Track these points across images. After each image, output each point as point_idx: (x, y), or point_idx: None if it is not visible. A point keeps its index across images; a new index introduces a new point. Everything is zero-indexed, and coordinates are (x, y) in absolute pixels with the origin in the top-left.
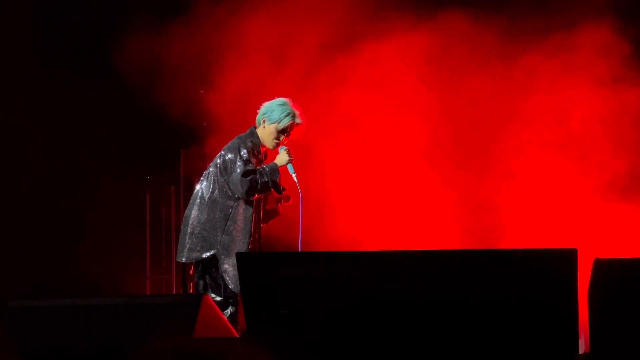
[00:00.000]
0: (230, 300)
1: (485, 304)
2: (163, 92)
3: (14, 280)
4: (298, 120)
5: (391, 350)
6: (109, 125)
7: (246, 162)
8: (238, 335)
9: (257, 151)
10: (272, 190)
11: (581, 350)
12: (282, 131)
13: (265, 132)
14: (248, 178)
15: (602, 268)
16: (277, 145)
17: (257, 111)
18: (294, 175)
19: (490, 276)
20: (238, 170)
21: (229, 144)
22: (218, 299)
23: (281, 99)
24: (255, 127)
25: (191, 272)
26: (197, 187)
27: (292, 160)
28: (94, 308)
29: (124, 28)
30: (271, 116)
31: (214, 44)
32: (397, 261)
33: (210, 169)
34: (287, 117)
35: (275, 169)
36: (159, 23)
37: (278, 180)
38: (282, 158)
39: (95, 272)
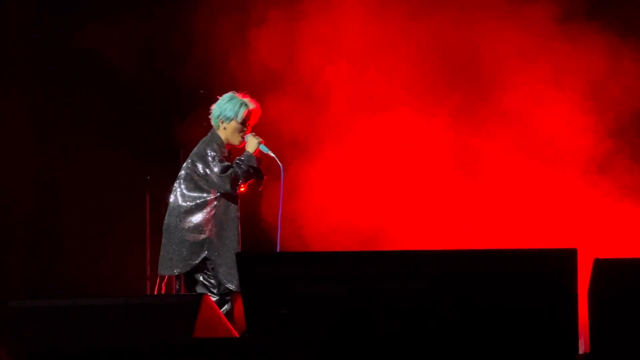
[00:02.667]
0: (227, 298)
1: (485, 303)
2: (163, 92)
3: (14, 280)
4: (251, 105)
5: (391, 350)
6: (108, 125)
7: (220, 160)
8: (238, 335)
9: (223, 150)
10: (255, 176)
11: (581, 350)
12: (243, 123)
13: (228, 132)
14: (227, 173)
15: (602, 268)
16: (243, 139)
17: (210, 116)
18: (270, 153)
19: (490, 276)
20: (215, 170)
21: (195, 150)
22: (214, 298)
23: (227, 95)
24: (217, 129)
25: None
26: (172, 197)
27: (261, 141)
28: (94, 308)
29: (124, 28)
30: (226, 114)
31: (214, 43)
32: (397, 261)
33: (181, 178)
34: (241, 108)
35: (250, 156)
36: (158, 22)
37: (257, 165)
38: (251, 144)
39: (95, 272)
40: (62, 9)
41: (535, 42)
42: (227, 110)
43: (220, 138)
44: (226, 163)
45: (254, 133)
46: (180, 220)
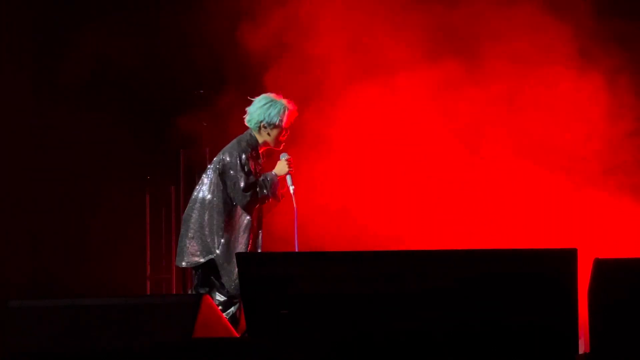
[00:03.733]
0: (234, 301)
1: (485, 304)
2: (163, 92)
3: (14, 280)
4: (291, 107)
5: (391, 350)
6: (109, 125)
7: (247, 173)
8: (238, 335)
9: (256, 153)
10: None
11: (581, 350)
12: (285, 126)
13: (272, 137)
14: (249, 193)
15: (602, 268)
16: (282, 142)
17: (245, 117)
18: (291, 188)
19: (491, 276)
20: (241, 184)
21: (228, 147)
22: (222, 299)
23: (266, 98)
24: (254, 131)
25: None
26: (197, 189)
27: (290, 171)
28: (94, 308)
29: (122, 26)
30: (271, 120)
31: (213, 41)
32: (397, 261)
33: (209, 172)
34: (285, 113)
35: (275, 181)
36: (158, 22)
37: (278, 191)
38: (281, 169)
39: (96, 272)
40: (63, 8)
41: (542, 42)
42: (273, 117)
43: (256, 140)
44: (252, 180)
45: (289, 160)
46: (199, 215)
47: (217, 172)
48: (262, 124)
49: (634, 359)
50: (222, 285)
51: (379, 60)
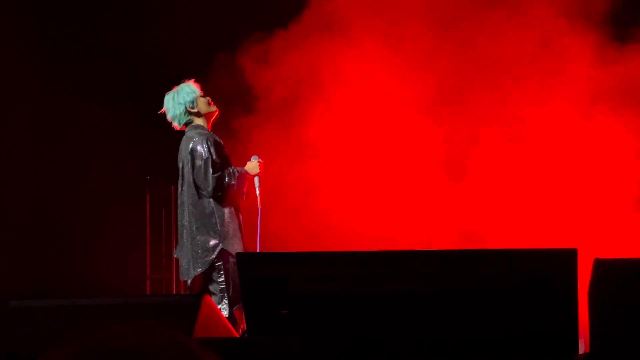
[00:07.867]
0: (225, 301)
1: (485, 304)
2: (163, 92)
3: (14, 280)
4: (191, 82)
5: (391, 350)
6: (108, 125)
7: (207, 158)
8: (238, 335)
9: (211, 136)
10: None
11: (581, 350)
12: (202, 93)
13: (202, 109)
14: (216, 175)
15: (602, 268)
16: (214, 105)
17: (174, 124)
18: (257, 190)
19: (490, 276)
20: (209, 168)
21: (183, 150)
22: (215, 298)
23: (167, 96)
24: (192, 122)
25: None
26: (179, 195)
27: (259, 173)
28: (94, 308)
29: (122, 25)
30: (188, 99)
31: (213, 42)
32: (397, 261)
33: (184, 174)
34: (189, 86)
35: (244, 176)
36: (156, 19)
37: (244, 187)
38: (253, 168)
39: (96, 272)
40: (62, 10)
41: (538, 42)
42: (185, 96)
43: (200, 126)
44: (217, 162)
45: (260, 164)
46: (192, 217)
47: (187, 172)
48: (187, 109)
49: (634, 359)
50: (222, 289)
51: (368, 52)
